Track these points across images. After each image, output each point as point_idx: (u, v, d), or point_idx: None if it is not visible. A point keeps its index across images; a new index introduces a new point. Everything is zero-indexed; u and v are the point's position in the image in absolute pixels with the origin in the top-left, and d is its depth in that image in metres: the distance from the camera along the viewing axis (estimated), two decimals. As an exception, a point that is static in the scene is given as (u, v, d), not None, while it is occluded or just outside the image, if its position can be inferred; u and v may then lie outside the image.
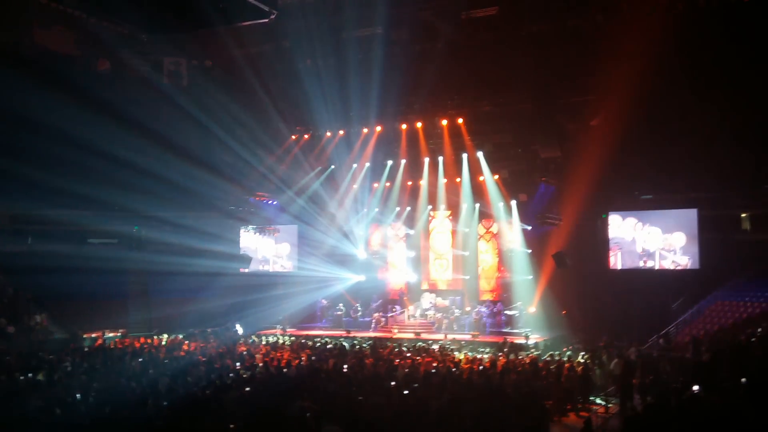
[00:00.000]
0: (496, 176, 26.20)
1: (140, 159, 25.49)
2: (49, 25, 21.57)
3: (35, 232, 29.29)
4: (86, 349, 21.18)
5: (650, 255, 24.34)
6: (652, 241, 24.47)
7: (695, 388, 11.62)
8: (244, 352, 20.02)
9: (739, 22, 17.92)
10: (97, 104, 23.59)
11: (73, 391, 13.43)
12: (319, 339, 24.22)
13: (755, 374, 11.38)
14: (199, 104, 24.00)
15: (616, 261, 25.21)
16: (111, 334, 25.42)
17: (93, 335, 25.11)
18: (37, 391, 13.71)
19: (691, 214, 24.17)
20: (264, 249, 31.37)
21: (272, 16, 20.40)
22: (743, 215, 24.82)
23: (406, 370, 15.60)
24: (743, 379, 11.13)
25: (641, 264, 24.84)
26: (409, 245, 30.64)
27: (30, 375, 15.85)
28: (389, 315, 27.44)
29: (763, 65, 18.84)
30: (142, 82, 23.29)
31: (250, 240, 31.46)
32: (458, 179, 27.32)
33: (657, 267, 24.54)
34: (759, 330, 18.28)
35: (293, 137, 26.78)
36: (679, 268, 24.20)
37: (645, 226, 24.71)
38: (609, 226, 24.90)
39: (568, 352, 19.52)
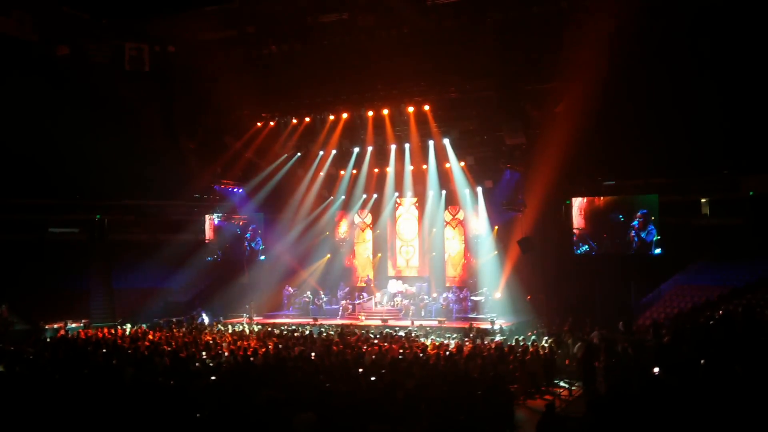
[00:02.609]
0: (462, 163, 26.37)
1: (102, 146, 25.05)
2: (8, 10, 21.00)
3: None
4: (48, 340, 20.81)
5: (617, 245, 24.52)
6: (619, 231, 24.63)
7: (656, 370, 11.88)
8: (210, 341, 19.87)
9: (703, 10, 18.19)
10: (57, 90, 23.09)
11: (34, 383, 13.19)
12: (285, 327, 24.16)
13: (714, 356, 11.65)
14: (162, 90, 23.66)
15: (583, 251, 25.34)
16: (73, 325, 25.01)
17: (55, 326, 24.68)
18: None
19: (652, 200, 24.52)
20: (229, 237, 31.09)
21: (236, 1, 20.11)
22: (703, 200, 25.35)
23: (374, 357, 15.66)
24: (702, 361, 11.40)
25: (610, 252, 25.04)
26: (376, 232, 30.70)
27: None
28: (356, 302, 27.48)
29: (725, 52, 19.20)
30: (103, 68, 22.85)
31: (215, 228, 31.17)
32: (425, 166, 27.39)
33: (624, 253, 24.77)
34: (718, 312, 18.72)
35: (259, 124, 26.53)
36: (648, 254, 24.50)
37: (612, 217, 24.89)
38: (576, 218, 25.03)
39: (533, 337, 19.77)
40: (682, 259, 24.27)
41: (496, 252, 26.96)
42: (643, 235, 24.05)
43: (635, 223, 24.15)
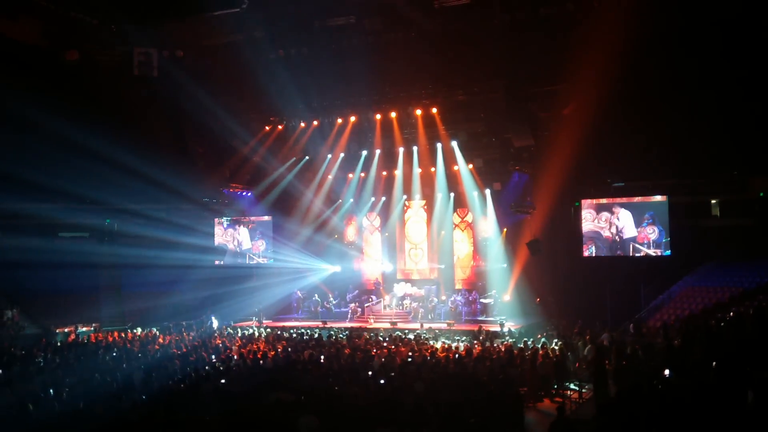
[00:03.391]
0: (471, 165, 26.35)
1: (111, 151, 25.14)
2: (16, 15, 21.13)
3: (5, 227, 28.80)
4: (59, 344, 20.92)
5: (625, 247, 24.39)
6: (627, 233, 24.48)
7: (666, 372, 11.82)
8: (220, 345, 19.94)
9: (710, 10, 18.12)
10: (66, 95, 23.18)
11: (46, 387, 13.27)
12: (295, 330, 24.18)
13: (725, 358, 11.58)
14: (171, 95, 23.76)
15: (592, 254, 25.19)
16: (84, 329, 25.16)
17: (66, 330, 24.85)
18: (10, 387, 13.54)
19: (661, 201, 24.40)
20: (238, 241, 31.18)
21: (243, 5, 20.15)
22: (713, 201, 25.21)
23: (383, 360, 15.65)
24: (714, 363, 11.33)
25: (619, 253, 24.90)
26: (384, 235, 30.70)
27: (1, 371, 15.63)
28: (365, 305, 27.46)
29: (733, 53, 19.10)
30: (112, 73, 22.98)
31: (224, 232, 31.26)
32: (433, 169, 27.41)
33: (633, 255, 24.61)
34: (729, 314, 18.60)
35: (267, 128, 26.61)
36: (657, 255, 24.36)
37: (619, 219, 24.75)
38: (584, 221, 24.91)
39: (543, 339, 19.68)
40: (692, 260, 24.12)
41: (505, 254, 26.90)
42: (652, 236, 23.94)
43: (644, 224, 24.04)
